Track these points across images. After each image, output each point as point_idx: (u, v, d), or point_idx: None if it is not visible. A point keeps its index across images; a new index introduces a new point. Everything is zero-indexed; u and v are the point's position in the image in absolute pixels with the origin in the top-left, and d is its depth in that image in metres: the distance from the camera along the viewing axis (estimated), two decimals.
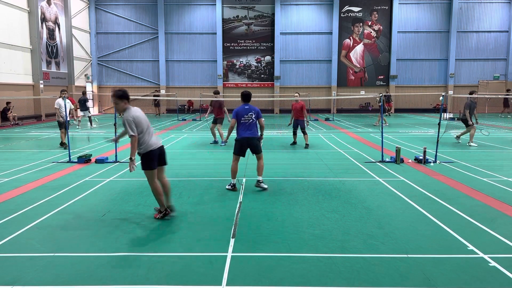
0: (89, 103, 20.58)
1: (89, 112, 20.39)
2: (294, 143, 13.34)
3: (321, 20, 31.36)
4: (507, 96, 26.27)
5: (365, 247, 4.74)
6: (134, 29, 31.63)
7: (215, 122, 13.67)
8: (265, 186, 7.40)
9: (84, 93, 20.97)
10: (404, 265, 4.26)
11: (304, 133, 12.87)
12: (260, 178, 7.47)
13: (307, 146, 12.70)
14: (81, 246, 4.79)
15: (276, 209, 6.29)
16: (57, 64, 26.72)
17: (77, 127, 19.13)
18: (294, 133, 13.36)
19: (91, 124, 20.06)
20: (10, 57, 21.95)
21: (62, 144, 12.81)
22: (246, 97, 7.47)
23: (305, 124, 12.88)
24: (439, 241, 4.91)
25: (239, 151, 7.38)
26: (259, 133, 7.54)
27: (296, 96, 13.14)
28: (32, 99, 23.48)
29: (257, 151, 7.43)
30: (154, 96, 28.41)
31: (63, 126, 12.64)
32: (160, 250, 4.66)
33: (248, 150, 7.45)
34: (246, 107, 7.37)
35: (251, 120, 7.32)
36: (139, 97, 23.32)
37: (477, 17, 31.06)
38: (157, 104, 29.38)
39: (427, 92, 30.28)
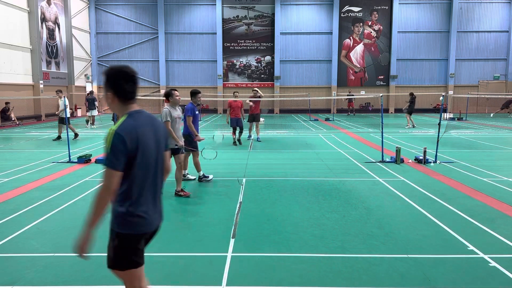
0: (97, 103, 21.24)
1: (96, 111, 20.76)
2: (237, 142, 13.35)
3: (321, 20, 31.35)
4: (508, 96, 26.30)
5: (365, 247, 4.74)
6: (134, 29, 31.64)
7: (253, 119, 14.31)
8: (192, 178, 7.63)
9: (91, 92, 21.45)
10: (404, 265, 4.26)
11: (242, 131, 13.38)
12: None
13: (258, 139, 14.01)
14: None
15: (276, 209, 6.28)
16: (57, 64, 26.72)
17: (93, 126, 20.10)
18: (235, 131, 13.39)
19: (93, 123, 20.42)
20: (10, 57, 21.94)
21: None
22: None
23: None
24: (439, 241, 4.91)
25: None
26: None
27: (236, 94, 13.50)
28: (32, 99, 23.48)
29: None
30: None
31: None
32: (160, 250, 4.66)
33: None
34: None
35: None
36: (139, 97, 23.36)
37: (477, 17, 31.05)
38: None
39: (427, 92, 30.28)
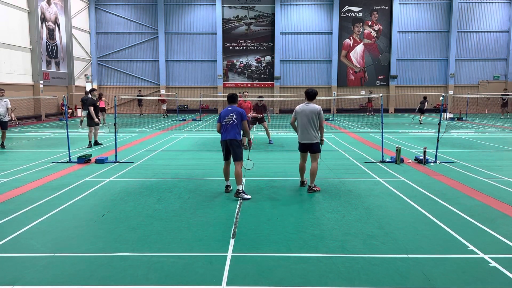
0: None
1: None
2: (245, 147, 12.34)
3: (321, 20, 31.35)
4: (505, 96, 26.08)
5: (365, 247, 4.74)
6: (134, 29, 31.63)
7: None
8: (248, 197, 6.79)
9: (86, 92, 21.25)
10: (404, 265, 4.26)
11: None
12: (239, 187, 6.84)
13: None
14: (81, 246, 4.79)
15: (276, 209, 6.28)
16: (57, 64, 26.72)
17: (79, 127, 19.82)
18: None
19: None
20: (10, 57, 21.94)
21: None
22: (230, 98, 7.26)
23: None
24: (439, 241, 4.91)
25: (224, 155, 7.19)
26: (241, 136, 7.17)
27: (246, 94, 13.10)
28: (32, 99, 23.47)
29: (234, 157, 6.99)
30: (138, 96, 27.96)
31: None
32: (160, 250, 4.66)
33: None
34: (229, 108, 7.08)
35: (231, 121, 6.96)
36: (138, 97, 23.36)
37: (477, 17, 31.05)
38: (140, 104, 29.69)
39: (427, 92, 30.23)
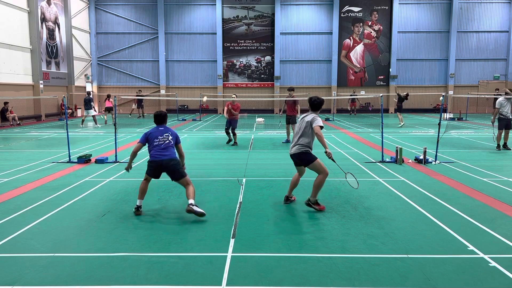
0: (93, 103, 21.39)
1: (94, 111, 21.02)
2: (230, 140, 13.67)
3: (321, 20, 31.34)
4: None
5: (365, 247, 4.74)
6: (134, 29, 31.62)
7: (288, 122, 13.82)
8: (200, 210, 5.70)
9: (88, 93, 21.48)
10: (404, 265, 4.26)
11: (234, 133, 13.38)
12: (192, 201, 5.79)
13: (235, 143, 13.36)
14: (81, 246, 4.78)
15: (276, 209, 6.28)
16: (57, 64, 26.72)
17: (97, 126, 20.18)
18: (228, 132, 13.54)
19: (95, 123, 20.55)
20: (10, 57, 21.94)
21: None
22: (159, 118, 6.32)
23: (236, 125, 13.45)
24: (439, 241, 4.91)
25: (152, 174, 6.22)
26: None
27: (234, 97, 13.62)
28: (32, 99, 23.48)
29: (178, 176, 6.11)
30: (137, 96, 26.09)
31: None
32: (160, 250, 4.66)
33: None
34: (160, 128, 6.25)
35: (167, 142, 6.13)
36: (138, 98, 23.38)
37: (477, 17, 31.04)
38: (140, 105, 27.16)
39: (427, 92, 30.28)
